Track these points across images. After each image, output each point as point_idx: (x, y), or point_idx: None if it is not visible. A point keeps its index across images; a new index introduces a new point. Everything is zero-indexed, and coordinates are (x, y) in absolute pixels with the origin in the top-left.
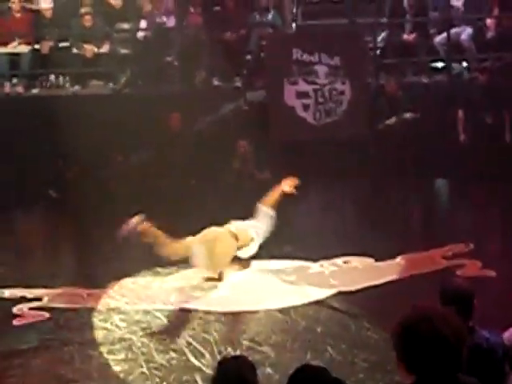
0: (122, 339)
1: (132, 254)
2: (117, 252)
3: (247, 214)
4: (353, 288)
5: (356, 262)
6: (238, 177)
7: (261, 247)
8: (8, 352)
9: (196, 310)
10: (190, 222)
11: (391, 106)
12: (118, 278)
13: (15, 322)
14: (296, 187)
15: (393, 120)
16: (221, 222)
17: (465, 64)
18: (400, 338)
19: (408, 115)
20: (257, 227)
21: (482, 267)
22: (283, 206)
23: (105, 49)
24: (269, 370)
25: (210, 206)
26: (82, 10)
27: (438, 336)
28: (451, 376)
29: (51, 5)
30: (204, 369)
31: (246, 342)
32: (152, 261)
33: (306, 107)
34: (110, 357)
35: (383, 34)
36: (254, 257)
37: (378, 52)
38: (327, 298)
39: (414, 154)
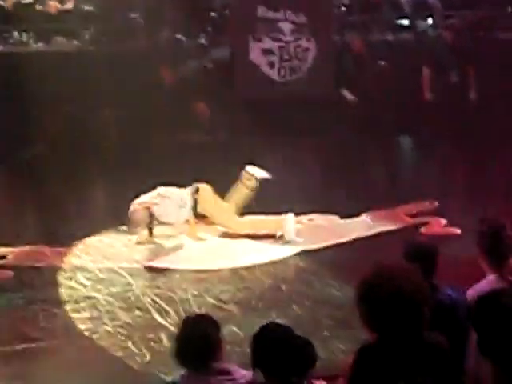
0: (86, 297)
1: (97, 213)
2: (82, 211)
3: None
4: (317, 246)
5: (320, 219)
6: (195, 137)
7: None
8: None
9: (161, 269)
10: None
11: (356, 63)
12: (83, 236)
13: None
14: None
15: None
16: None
17: (430, 21)
18: (362, 296)
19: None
20: None
21: (446, 225)
22: (248, 162)
23: (69, 5)
24: (234, 328)
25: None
26: None
27: (400, 294)
28: (415, 334)
29: None
30: (169, 327)
31: (210, 300)
32: (117, 220)
33: (271, 64)
34: (75, 315)
35: None
36: None
37: (344, 9)
38: (292, 255)
39: (378, 113)
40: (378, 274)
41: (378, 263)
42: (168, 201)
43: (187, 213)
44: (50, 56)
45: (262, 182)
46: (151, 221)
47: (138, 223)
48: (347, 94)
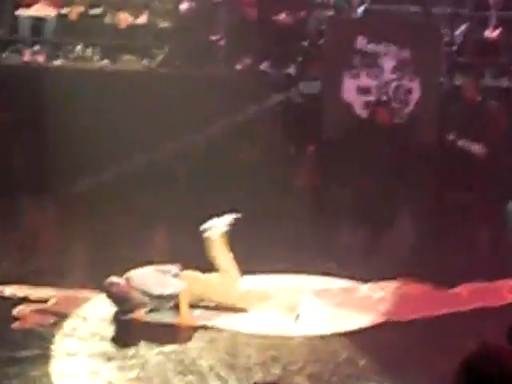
0: (135, 355)
1: (155, 254)
2: (138, 251)
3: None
4: (404, 318)
5: (410, 287)
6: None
7: (302, 261)
8: (4, 359)
9: (222, 329)
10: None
11: (467, 112)
12: None
13: (14, 326)
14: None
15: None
16: None
17: None
18: (464, 377)
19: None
20: None
21: None
22: (326, 216)
23: (142, 20)
24: None
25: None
26: None
27: (505, 378)
28: None
29: None
30: None
31: (277, 371)
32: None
33: (366, 105)
34: (120, 374)
35: (462, 28)
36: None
37: (455, 48)
38: (374, 326)
39: (487, 175)
40: (482, 353)
41: (482, 342)
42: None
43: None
44: (115, 75)
45: (343, 240)
46: None
47: None
48: (472, 145)
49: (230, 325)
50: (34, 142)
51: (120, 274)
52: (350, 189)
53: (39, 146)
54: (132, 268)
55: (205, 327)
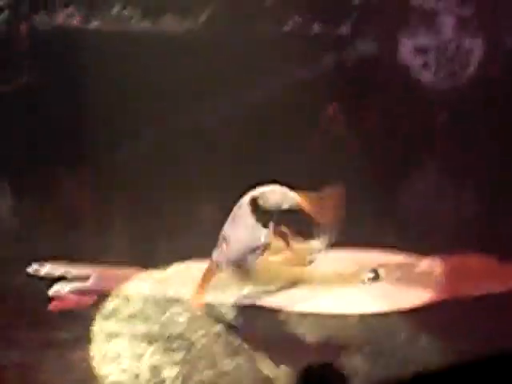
0: (180, 336)
1: (203, 229)
2: (185, 225)
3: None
4: (468, 294)
5: (473, 261)
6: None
7: (356, 234)
8: (43, 341)
9: (272, 308)
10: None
11: None
12: (184, 258)
13: (51, 307)
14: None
15: None
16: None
17: None
18: None
19: None
20: None
21: None
22: (385, 187)
23: None
24: None
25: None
26: None
27: None
28: None
29: None
30: (278, 382)
31: (332, 352)
32: None
33: (424, 66)
34: (165, 357)
35: None
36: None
37: None
38: (435, 304)
39: None
40: None
41: None
42: None
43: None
44: (155, 38)
45: (402, 213)
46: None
47: None
48: None
49: (281, 304)
50: (71, 110)
51: (163, 250)
52: (408, 160)
53: (76, 113)
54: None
55: (253, 306)
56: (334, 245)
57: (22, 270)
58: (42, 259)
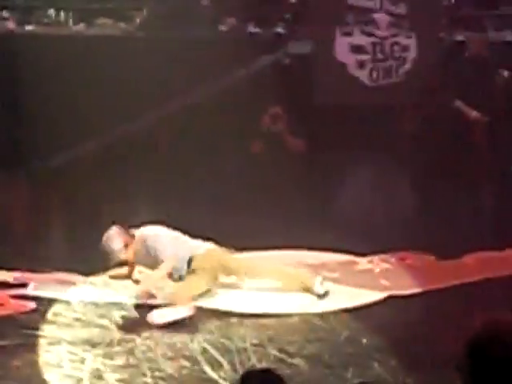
0: (122, 341)
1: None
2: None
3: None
4: (408, 292)
5: (413, 259)
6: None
7: (297, 234)
8: None
9: (214, 310)
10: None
11: (475, 68)
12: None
13: None
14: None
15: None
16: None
17: None
18: (468, 360)
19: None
20: None
21: None
22: (322, 184)
23: None
24: None
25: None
26: None
27: None
28: None
29: None
30: (221, 382)
31: (274, 352)
32: None
33: (360, 64)
34: (107, 361)
35: None
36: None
37: (453, 1)
38: (376, 302)
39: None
40: (486, 333)
41: (485, 320)
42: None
43: None
44: (90, 40)
45: (341, 211)
46: None
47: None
48: (468, 110)
49: (222, 305)
50: (6, 114)
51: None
52: (345, 156)
53: (11, 118)
54: None
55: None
56: (274, 247)
57: None
58: None
